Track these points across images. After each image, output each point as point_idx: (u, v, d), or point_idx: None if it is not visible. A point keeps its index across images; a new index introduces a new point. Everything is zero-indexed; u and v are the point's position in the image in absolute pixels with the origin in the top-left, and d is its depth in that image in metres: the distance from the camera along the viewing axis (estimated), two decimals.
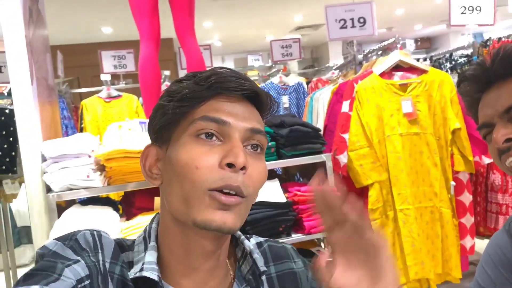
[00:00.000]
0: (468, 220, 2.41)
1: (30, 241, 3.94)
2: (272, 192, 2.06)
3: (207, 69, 0.68)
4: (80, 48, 6.08)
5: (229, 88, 0.64)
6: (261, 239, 0.78)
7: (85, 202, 2.08)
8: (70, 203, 2.08)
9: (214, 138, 0.63)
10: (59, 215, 1.82)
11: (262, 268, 0.69)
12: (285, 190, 2.11)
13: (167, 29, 2.71)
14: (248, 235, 0.77)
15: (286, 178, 2.60)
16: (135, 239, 0.70)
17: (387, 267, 0.56)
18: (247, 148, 0.65)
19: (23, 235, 4.30)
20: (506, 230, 0.96)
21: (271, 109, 0.70)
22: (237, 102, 0.65)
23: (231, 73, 0.65)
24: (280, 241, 0.80)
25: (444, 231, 2.36)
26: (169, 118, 0.65)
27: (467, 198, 2.41)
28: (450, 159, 2.36)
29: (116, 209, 1.99)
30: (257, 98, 0.68)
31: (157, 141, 0.68)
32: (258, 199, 1.94)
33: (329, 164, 2.13)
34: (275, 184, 2.14)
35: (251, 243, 0.75)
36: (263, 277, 0.70)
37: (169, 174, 0.64)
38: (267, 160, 2.04)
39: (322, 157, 2.13)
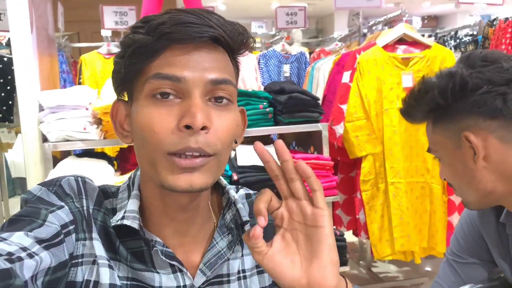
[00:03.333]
0: (458, 197, 2.45)
1: (24, 192, 3.98)
2: None
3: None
4: (81, 2, 5.94)
5: (183, 38, 0.56)
6: (251, 191, 0.77)
7: (80, 155, 2.10)
8: (65, 155, 2.09)
9: (171, 96, 0.58)
10: (54, 166, 1.84)
11: (245, 218, 0.68)
12: (280, 157, 2.13)
13: None
14: (239, 186, 0.77)
15: None
16: (120, 186, 0.70)
17: (325, 249, 0.54)
18: (211, 102, 0.59)
19: (17, 186, 4.34)
20: None
21: (246, 44, 0.63)
22: (195, 50, 0.58)
23: (187, 17, 0.56)
24: None
25: (433, 206, 2.40)
26: (123, 76, 0.61)
27: None
28: None
29: (111, 164, 2.01)
30: (224, 42, 0.60)
31: (120, 97, 0.65)
32: (252, 163, 1.98)
33: (325, 134, 2.15)
34: (271, 149, 2.13)
35: (239, 194, 0.75)
36: (247, 227, 0.69)
37: (134, 135, 0.62)
38: (264, 126, 2.07)
39: (319, 126, 2.14)
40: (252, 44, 0.63)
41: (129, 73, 0.60)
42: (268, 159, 0.57)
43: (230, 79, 0.60)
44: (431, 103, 0.86)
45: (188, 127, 0.56)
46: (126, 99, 0.65)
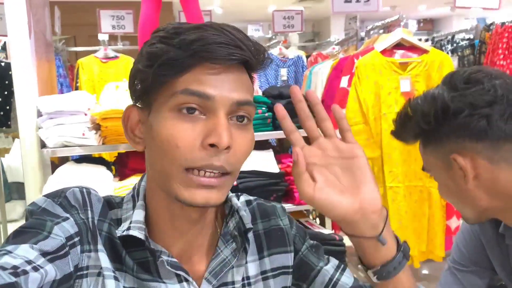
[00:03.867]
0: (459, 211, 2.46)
1: (20, 197, 3.95)
2: (265, 162, 2.08)
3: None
4: (78, 6, 5.93)
5: (216, 57, 0.57)
6: (251, 197, 0.78)
7: (79, 161, 2.09)
8: (63, 161, 2.08)
9: (196, 112, 0.58)
10: (52, 172, 1.83)
11: (248, 225, 0.68)
12: (279, 161, 2.13)
13: None
14: (239, 193, 0.77)
15: (280, 150, 2.61)
16: (124, 197, 0.70)
17: (369, 175, 0.60)
18: (232, 120, 0.60)
19: (13, 190, 4.31)
20: None
21: (264, 64, 0.64)
22: (224, 71, 0.59)
23: (220, 37, 0.57)
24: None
25: (432, 210, 2.41)
26: (148, 85, 0.60)
27: None
28: None
29: (110, 170, 2.00)
30: (249, 63, 0.62)
31: (138, 104, 0.65)
32: (251, 168, 1.98)
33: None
34: (269, 154, 2.15)
35: (240, 201, 0.76)
36: (250, 234, 0.70)
37: (150, 144, 0.62)
38: (262, 131, 2.06)
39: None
40: (269, 63, 0.64)
41: (155, 83, 0.59)
42: (300, 99, 0.62)
43: (252, 100, 0.62)
44: (416, 128, 0.87)
45: (212, 145, 0.57)
46: (141, 106, 0.64)
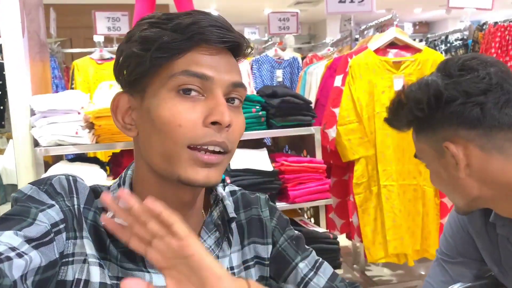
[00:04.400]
0: (449, 200, 2.46)
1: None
2: (259, 161, 2.08)
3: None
4: (73, 9, 5.93)
5: (211, 40, 0.60)
6: (236, 188, 0.79)
7: (72, 160, 2.09)
8: (57, 160, 2.08)
9: (193, 93, 0.60)
10: (45, 171, 1.83)
11: (232, 214, 0.70)
12: (273, 160, 2.14)
13: None
14: (225, 184, 0.78)
15: (274, 149, 2.62)
16: (110, 185, 0.70)
17: (208, 271, 0.51)
18: (227, 102, 0.63)
19: (9, 192, 4.29)
20: None
21: (246, 52, 0.67)
22: (218, 53, 0.62)
23: (213, 21, 0.60)
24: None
25: (426, 209, 2.41)
26: (145, 69, 0.61)
27: None
28: None
29: (104, 169, 2.00)
30: (237, 48, 0.65)
31: (130, 90, 0.65)
32: (245, 167, 1.98)
33: (318, 137, 2.16)
34: (263, 153, 2.16)
35: (225, 191, 0.76)
36: (233, 225, 0.71)
37: (147, 128, 0.62)
38: (257, 129, 2.07)
39: (311, 130, 2.15)
40: (250, 52, 0.68)
41: (152, 66, 0.60)
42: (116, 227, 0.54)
43: (243, 84, 0.65)
44: (409, 115, 0.86)
45: (214, 123, 0.59)
46: (132, 92, 0.64)
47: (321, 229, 2.11)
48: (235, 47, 0.64)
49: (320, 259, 0.78)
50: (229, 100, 0.63)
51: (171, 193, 0.64)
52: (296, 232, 0.79)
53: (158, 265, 0.53)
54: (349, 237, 2.68)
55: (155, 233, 0.52)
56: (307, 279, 0.74)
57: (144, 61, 0.60)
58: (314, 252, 0.78)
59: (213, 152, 0.60)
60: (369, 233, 2.39)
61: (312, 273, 0.75)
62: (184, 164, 0.60)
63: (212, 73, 0.60)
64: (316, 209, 2.70)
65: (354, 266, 3.07)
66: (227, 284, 0.52)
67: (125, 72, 0.64)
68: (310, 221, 2.59)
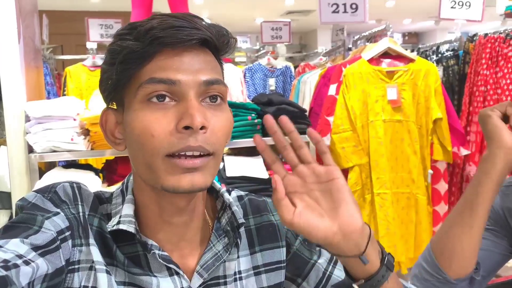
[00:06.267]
0: (442, 208, 2.49)
1: (4, 206, 3.88)
2: (255, 168, 2.08)
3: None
4: (66, 16, 5.92)
5: (174, 41, 0.58)
6: (242, 193, 0.78)
7: (66, 166, 2.07)
8: (50, 167, 2.06)
9: (166, 99, 0.59)
10: (39, 178, 1.81)
11: (241, 220, 0.69)
12: (268, 168, 2.14)
13: (159, 2, 2.68)
14: (230, 189, 0.78)
15: None
16: (113, 192, 0.70)
17: (347, 194, 0.59)
18: (205, 102, 0.61)
19: None
20: None
21: (229, 45, 0.65)
22: (185, 53, 0.59)
23: (175, 21, 0.58)
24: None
25: (419, 217, 2.43)
26: (115, 83, 0.61)
27: (443, 187, 2.48)
28: (430, 148, 2.42)
29: (97, 176, 1.99)
30: (209, 43, 0.62)
31: (112, 105, 0.65)
32: (241, 174, 1.98)
33: (312, 145, 2.17)
34: (259, 160, 2.16)
35: (231, 196, 0.76)
36: (242, 229, 0.70)
37: (129, 141, 0.62)
38: (252, 137, 2.06)
39: (306, 138, 2.15)
40: (234, 45, 0.66)
41: (121, 79, 0.61)
42: (275, 130, 0.60)
43: (221, 79, 0.63)
44: None
45: (187, 127, 0.57)
46: (115, 107, 0.65)
47: None
48: (207, 43, 0.62)
49: (334, 256, 0.78)
50: (211, 99, 0.61)
51: (166, 200, 0.64)
52: None
53: (291, 190, 0.60)
54: None
55: (305, 157, 0.60)
56: (328, 273, 0.75)
57: (112, 74, 0.61)
58: (325, 251, 0.79)
59: (193, 156, 0.59)
60: None
61: (331, 267, 0.76)
62: (164, 173, 0.59)
63: (179, 76, 0.58)
64: None
65: None
66: (352, 208, 0.59)
67: (103, 88, 0.65)
68: None
